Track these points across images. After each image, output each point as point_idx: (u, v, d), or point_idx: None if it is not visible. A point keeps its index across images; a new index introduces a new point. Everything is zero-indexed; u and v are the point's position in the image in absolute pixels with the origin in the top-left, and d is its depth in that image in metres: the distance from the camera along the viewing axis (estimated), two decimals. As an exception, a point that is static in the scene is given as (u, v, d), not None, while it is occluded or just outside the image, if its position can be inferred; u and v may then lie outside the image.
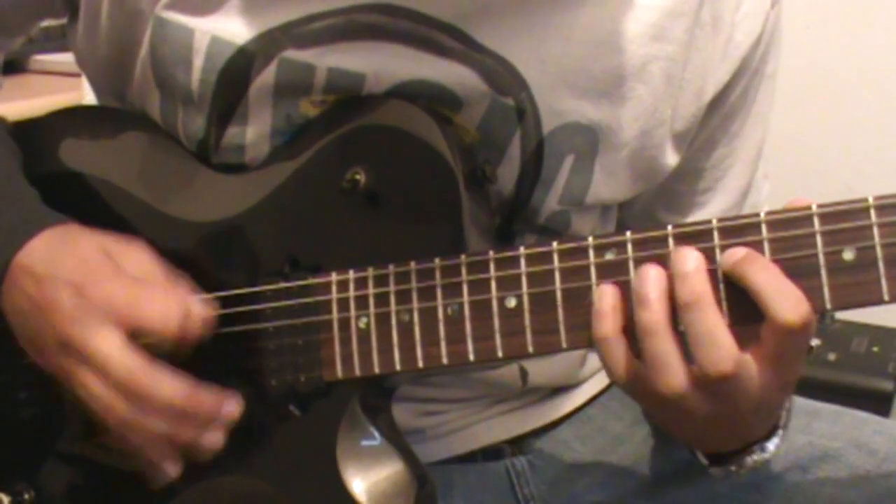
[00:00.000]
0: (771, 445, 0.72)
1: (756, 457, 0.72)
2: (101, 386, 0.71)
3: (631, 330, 0.65)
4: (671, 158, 0.84)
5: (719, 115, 0.86)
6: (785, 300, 0.62)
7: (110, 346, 0.71)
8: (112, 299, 0.71)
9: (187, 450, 0.73)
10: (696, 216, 0.89)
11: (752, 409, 0.66)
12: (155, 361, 0.71)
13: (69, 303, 0.72)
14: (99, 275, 0.73)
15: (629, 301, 0.65)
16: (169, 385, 0.71)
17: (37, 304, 0.74)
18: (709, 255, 0.64)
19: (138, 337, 0.71)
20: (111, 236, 0.76)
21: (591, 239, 0.68)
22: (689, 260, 0.64)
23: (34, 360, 0.76)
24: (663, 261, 0.65)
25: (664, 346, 0.64)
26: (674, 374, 0.64)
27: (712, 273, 0.64)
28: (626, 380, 0.66)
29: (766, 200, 0.93)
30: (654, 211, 0.91)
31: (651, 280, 0.64)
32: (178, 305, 0.72)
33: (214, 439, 0.73)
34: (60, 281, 0.73)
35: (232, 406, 0.73)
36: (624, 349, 0.65)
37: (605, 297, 0.66)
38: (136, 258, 0.75)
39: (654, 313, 0.64)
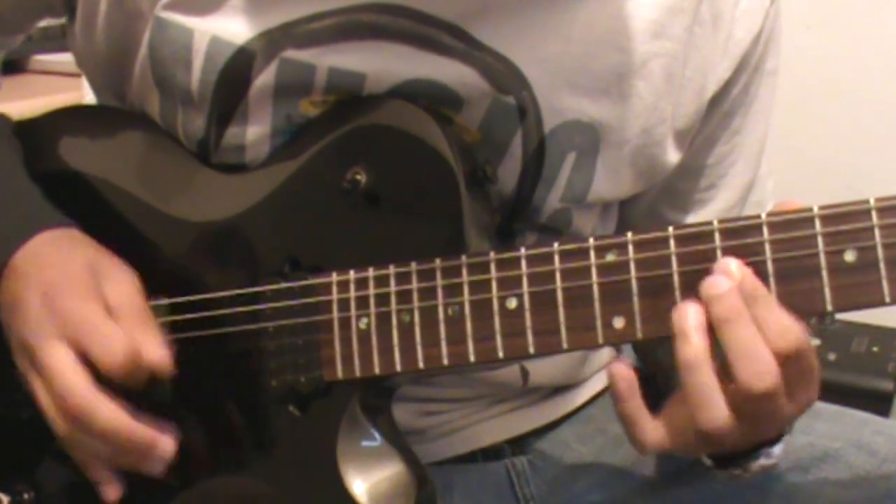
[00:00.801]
0: (776, 450, 0.72)
1: (762, 461, 0.72)
2: (47, 398, 0.72)
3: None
4: (672, 156, 0.84)
5: (720, 112, 0.86)
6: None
7: (58, 361, 0.71)
8: (72, 316, 0.72)
9: (179, 450, 0.74)
10: (700, 213, 0.89)
11: (770, 423, 0.66)
12: (98, 388, 0.71)
13: (35, 308, 0.72)
14: (72, 289, 0.73)
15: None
16: (106, 413, 0.71)
17: (13, 299, 0.74)
18: (710, 255, 0.64)
19: (91, 362, 0.71)
20: (105, 256, 0.76)
21: (591, 240, 0.67)
22: (721, 284, 0.63)
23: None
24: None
25: (706, 380, 0.63)
26: (717, 407, 0.63)
27: (760, 266, 0.64)
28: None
29: (771, 197, 0.93)
30: (658, 209, 0.90)
31: (689, 313, 0.64)
32: (128, 344, 0.71)
33: (154, 468, 0.73)
34: (34, 283, 0.73)
35: (166, 444, 0.73)
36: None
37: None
38: (119, 285, 0.75)
39: (695, 347, 0.63)
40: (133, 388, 0.72)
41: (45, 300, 0.72)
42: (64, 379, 0.71)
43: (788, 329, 0.63)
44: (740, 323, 0.63)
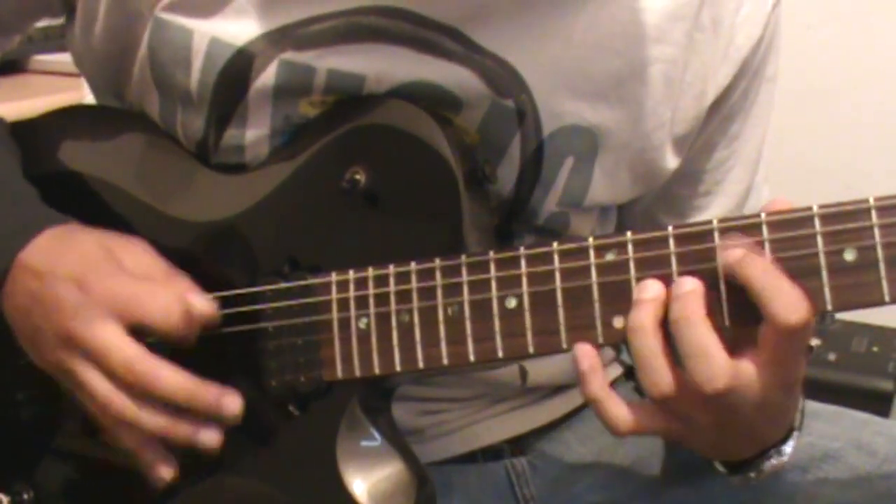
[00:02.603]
0: (788, 448, 0.72)
1: (774, 461, 0.72)
2: (101, 379, 0.71)
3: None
4: (671, 161, 0.84)
5: (719, 117, 0.86)
6: (785, 300, 0.62)
7: (111, 337, 0.71)
8: (113, 294, 0.72)
9: (184, 449, 0.73)
10: (697, 219, 0.89)
11: (756, 414, 0.65)
12: (156, 356, 0.71)
13: (70, 298, 0.72)
14: (100, 271, 0.73)
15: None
16: (170, 376, 0.71)
17: (38, 300, 0.74)
18: (710, 255, 0.64)
19: (140, 334, 0.72)
20: (111, 233, 0.76)
21: (591, 240, 0.67)
22: (686, 283, 0.64)
23: (33, 360, 0.76)
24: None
25: (650, 345, 0.64)
26: (660, 375, 0.64)
27: (710, 273, 0.64)
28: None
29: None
30: (654, 214, 0.91)
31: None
32: (178, 301, 0.72)
33: (211, 438, 0.73)
34: (62, 276, 0.73)
35: (232, 403, 0.72)
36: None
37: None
38: (137, 255, 0.75)
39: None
40: (182, 354, 0.72)
41: (78, 288, 0.72)
42: (121, 351, 0.71)
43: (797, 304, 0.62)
44: (693, 323, 0.63)
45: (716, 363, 0.62)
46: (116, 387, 0.71)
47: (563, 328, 0.68)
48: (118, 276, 0.73)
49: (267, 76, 0.78)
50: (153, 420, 0.72)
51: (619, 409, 0.67)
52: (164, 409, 0.71)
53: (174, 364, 0.71)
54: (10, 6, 0.92)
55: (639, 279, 0.66)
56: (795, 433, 0.72)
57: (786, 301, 0.62)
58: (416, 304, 0.71)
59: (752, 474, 0.72)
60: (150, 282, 0.73)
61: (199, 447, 0.73)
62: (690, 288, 0.64)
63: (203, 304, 0.73)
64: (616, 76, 0.79)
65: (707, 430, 0.66)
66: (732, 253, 0.63)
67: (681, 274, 0.65)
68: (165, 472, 0.74)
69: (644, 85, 0.80)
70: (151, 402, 0.71)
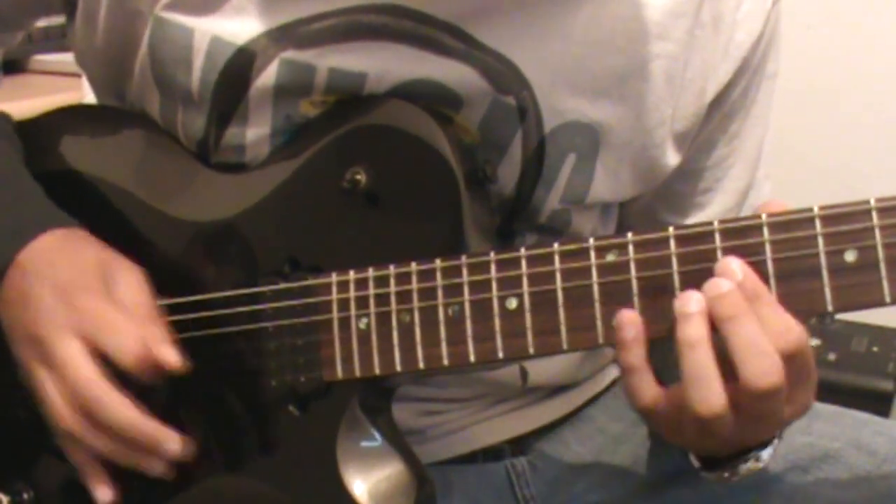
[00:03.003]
0: (765, 454, 0.72)
1: (750, 465, 0.72)
2: (56, 391, 0.72)
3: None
4: (672, 158, 0.84)
5: (719, 114, 0.86)
6: (758, 364, 0.62)
7: (72, 354, 0.72)
8: (88, 314, 0.72)
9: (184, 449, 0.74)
10: (697, 217, 0.89)
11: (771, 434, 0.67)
12: (110, 383, 0.72)
13: (49, 303, 0.73)
14: (86, 287, 0.74)
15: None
16: (116, 406, 0.71)
17: (21, 295, 0.75)
18: (710, 256, 0.64)
19: (105, 360, 0.72)
20: (114, 256, 0.77)
21: (592, 240, 0.67)
22: (723, 284, 0.63)
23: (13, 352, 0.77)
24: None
25: (704, 361, 0.63)
26: (714, 391, 0.63)
27: (760, 266, 0.64)
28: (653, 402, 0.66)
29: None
30: (654, 211, 0.90)
31: (692, 299, 0.64)
32: (141, 344, 0.72)
33: (155, 467, 0.73)
34: (48, 281, 0.74)
35: (173, 442, 0.73)
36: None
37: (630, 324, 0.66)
38: (130, 285, 0.75)
39: (696, 327, 0.63)
40: (144, 384, 0.72)
41: (59, 296, 0.73)
42: (77, 371, 0.71)
43: (790, 328, 0.63)
44: (745, 320, 0.63)
45: (770, 356, 0.62)
46: (70, 401, 0.72)
47: (563, 329, 0.68)
48: (98, 298, 0.73)
49: (268, 75, 0.78)
50: (98, 441, 0.73)
51: (650, 386, 0.66)
52: (109, 433, 0.72)
53: (126, 396, 0.72)
54: (9, 3, 0.92)
55: (639, 279, 0.66)
56: (776, 441, 0.72)
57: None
58: (416, 304, 0.71)
59: (727, 474, 0.73)
60: (127, 315, 0.73)
61: (145, 472, 0.74)
62: (728, 287, 0.63)
63: (167, 352, 0.72)
64: (617, 73, 0.79)
65: (720, 443, 0.67)
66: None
67: (681, 274, 0.65)
68: (103, 493, 0.75)
69: (645, 82, 0.80)
70: (99, 425, 0.72)
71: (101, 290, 0.74)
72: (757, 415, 0.64)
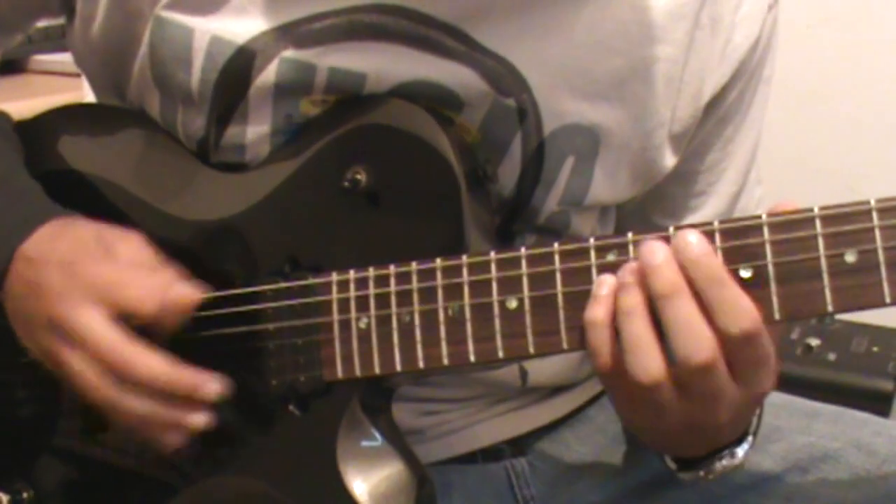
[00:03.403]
0: (740, 451, 0.72)
1: (725, 462, 0.72)
2: (83, 362, 0.72)
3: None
4: (669, 160, 0.84)
5: (715, 117, 0.86)
6: (689, 339, 0.63)
7: (91, 322, 0.71)
8: (98, 279, 0.73)
9: (182, 450, 0.73)
10: (689, 221, 0.89)
11: (725, 416, 0.66)
12: (137, 340, 0.71)
13: (58, 282, 0.73)
14: (89, 257, 0.74)
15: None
16: (148, 361, 0.71)
17: (31, 286, 0.75)
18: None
19: (125, 319, 0.72)
20: (110, 227, 0.77)
21: (592, 240, 0.67)
22: (658, 252, 0.64)
23: (27, 348, 0.76)
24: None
25: (641, 329, 0.64)
26: (651, 358, 0.64)
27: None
28: (608, 366, 0.66)
29: (759, 205, 0.93)
30: (648, 214, 0.91)
31: (630, 268, 0.65)
32: (159, 288, 0.72)
33: (198, 419, 0.72)
34: (53, 262, 0.74)
35: (213, 385, 0.72)
36: (609, 334, 0.65)
37: (603, 284, 0.66)
38: (131, 245, 0.76)
39: (632, 297, 0.64)
40: (168, 334, 0.72)
41: (67, 272, 0.73)
42: (101, 337, 0.71)
43: (742, 313, 0.63)
44: (678, 298, 0.63)
45: (703, 336, 0.63)
46: (99, 371, 0.72)
47: (563, 328, 0.68)
48: (105, 262, 0.74)
49: (268, 74, 0.78)
50: (136, 402, 0.72)
51: (609, 345, 0.66)
52: (146, 391, 0.71)
53: (155, 349, 0.71)
54: (8, 4, 0.92)
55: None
56: (750, 438, 0.72)
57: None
58: (416, 304, 0.71)
59: (702, 473, 0.73)
60: (136, 269, 0.74)
61: (188, 427, 0.72)
62: (663, 258, 0.64)
63: (185, 290, 0.73)
64: (617, 75, 0.79)
65: (673, 420, 0.66)
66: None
67: None
68: (173, 439, 0.73)
69: (645, 84, 0.80)
70: (133, 387, 0.71)
71: (105, 255, 0.74)
72: (701, 392, 0.64)
